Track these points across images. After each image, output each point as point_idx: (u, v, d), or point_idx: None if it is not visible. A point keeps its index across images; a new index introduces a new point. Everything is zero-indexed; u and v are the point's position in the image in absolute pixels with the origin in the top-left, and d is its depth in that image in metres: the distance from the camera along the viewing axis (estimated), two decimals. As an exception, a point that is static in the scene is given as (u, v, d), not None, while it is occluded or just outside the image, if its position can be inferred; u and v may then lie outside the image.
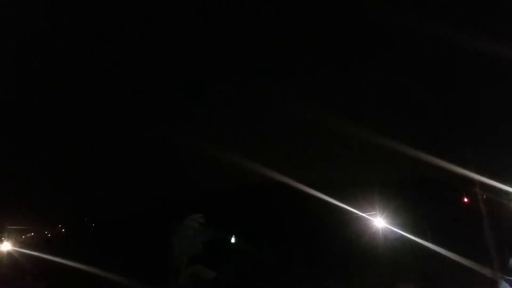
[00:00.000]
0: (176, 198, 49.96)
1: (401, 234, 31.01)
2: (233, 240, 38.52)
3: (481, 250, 29.29)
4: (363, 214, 32.07)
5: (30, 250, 29.04)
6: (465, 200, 35.92)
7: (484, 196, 31.37)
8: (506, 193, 30.53)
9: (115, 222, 53.09)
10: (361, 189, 34.25)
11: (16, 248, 27.63)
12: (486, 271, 27.26)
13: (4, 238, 27.81)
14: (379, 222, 31.90)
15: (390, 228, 31.69)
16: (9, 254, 26.77)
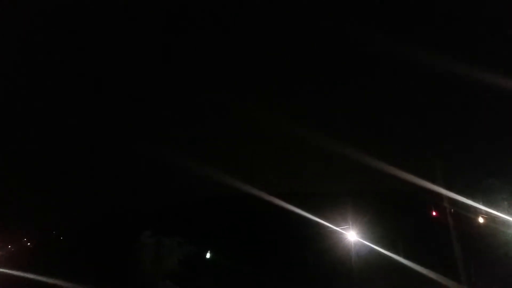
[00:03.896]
0: (147, 211, 49.32)
1: (372, 247, 31.77)
2: (208, 254, 38.43)
3: (449, 262, 30.40)
4: (336, 228, 32.68)
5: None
6: (434, 213, 37.07)
7: (451, 210, 32.60)
8: (472, 208, 31.82)
9: (84, 234, 51.89)
10: (334, 203, 34.84)
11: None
12: (452, 284, 28.27)
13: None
14: (351, 235, 32.59)
15: (362, 242, 32.40)
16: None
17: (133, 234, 33.95)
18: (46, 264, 36.38)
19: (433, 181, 31.04)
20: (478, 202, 31.98)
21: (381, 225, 33.55)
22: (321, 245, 34.11)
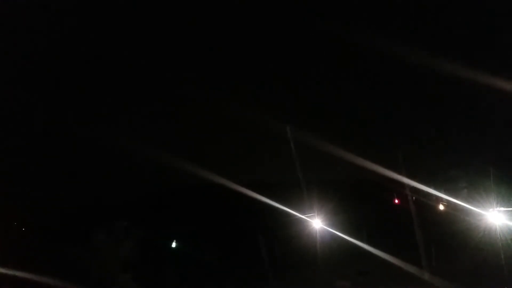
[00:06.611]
0: (110, 201, 48.38)
1: (337, 234, 32.35)
2: (174, 244, 38.18)
3: (411, 248, 31.30)
4: (302, 216, 33.07)
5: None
6: (396, 201, 38.02)
7: (413, 198, 33.54)
8: (433, 196, 32.82)
9: (45, 226, 50.58)
10: (300, 192, 35.17)
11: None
12: (414, 270, 29.08)
13: None
14: (316, 223, 33.09)
15: (326, 229, 32.94)
16: None
17: (93, 226, 33.57)
18: (5, 256, 35.39)
19: (396, 171, 31.76)
20: (439, 190, 33.02)
21: (345, 213, 34.13)
22: (287, 233, 34.44)
